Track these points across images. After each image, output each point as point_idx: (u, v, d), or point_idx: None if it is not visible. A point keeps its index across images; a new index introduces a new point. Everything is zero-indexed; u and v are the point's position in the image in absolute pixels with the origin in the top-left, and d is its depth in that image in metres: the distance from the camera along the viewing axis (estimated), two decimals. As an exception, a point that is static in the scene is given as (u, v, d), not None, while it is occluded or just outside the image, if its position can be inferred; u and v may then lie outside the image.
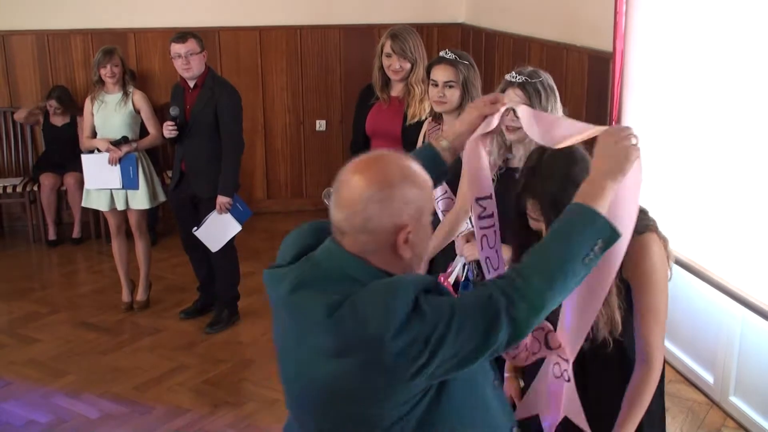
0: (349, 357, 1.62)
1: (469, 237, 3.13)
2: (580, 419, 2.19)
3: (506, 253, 2.85)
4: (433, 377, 1.63)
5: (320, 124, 7.53)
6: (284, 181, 7.63)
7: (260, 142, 7.39)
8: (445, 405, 1.71)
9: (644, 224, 2.24)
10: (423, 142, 3.69)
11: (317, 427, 1.79)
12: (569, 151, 2.14)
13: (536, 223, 2.27)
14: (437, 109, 3.49)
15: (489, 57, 6.75)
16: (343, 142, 7.51)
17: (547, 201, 2.17)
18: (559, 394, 2.21)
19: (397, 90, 4.15)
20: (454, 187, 3.52)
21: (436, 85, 3.43)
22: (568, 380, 2.17)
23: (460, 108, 3.39)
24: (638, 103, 4.49)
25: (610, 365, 2.33)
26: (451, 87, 3.42)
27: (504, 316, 1.61)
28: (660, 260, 2.25)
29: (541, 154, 2.23)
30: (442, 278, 3.18)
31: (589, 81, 5.09)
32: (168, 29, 6.92)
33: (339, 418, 1.72)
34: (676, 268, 4.07)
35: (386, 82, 4.16)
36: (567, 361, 2.15)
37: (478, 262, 3.07)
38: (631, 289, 2.25)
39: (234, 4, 7.12)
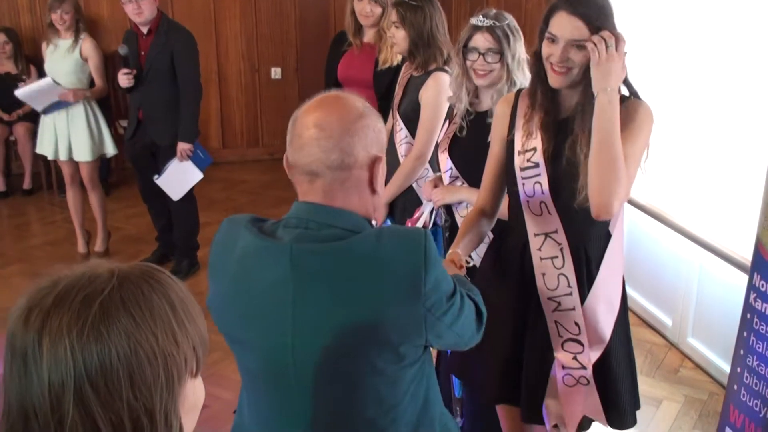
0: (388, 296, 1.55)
1: (437, 182, 3.11)
2: (599, 416, 2.30)
3: (473, 195, 2.86)
4: (436, 337, 1.63)
5: (275, 72, 7.42)
6: (239, 130, 7.53)
7: (214, 90, 7.26)
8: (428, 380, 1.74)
9: (637, 94, 2.26)
10: (398, 86, 3.64)
11: (320, 398, 1.63)
12: None
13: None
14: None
15: (446, 1, 6.66)
16: (299, 90, 7.41)
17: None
18: (572, 401, 2.31)
19: (369, 36, 4.07)
20: (412, 128, 3.51)
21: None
22: (587, 383, 2.24)
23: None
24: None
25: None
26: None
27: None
28: (649, 127, 2.22)
29: None
30: (409, 223, 3.16)
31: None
32: (117, -27, 6.74)
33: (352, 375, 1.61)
34: (635, 211, 4.15)
35: (359, 28, 4.08)
36: (585, 368, 2.27)
37: (447, 207, 3.07)
38: None
39: (185, -53, 6.92)
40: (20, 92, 5.06)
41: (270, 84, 7.43)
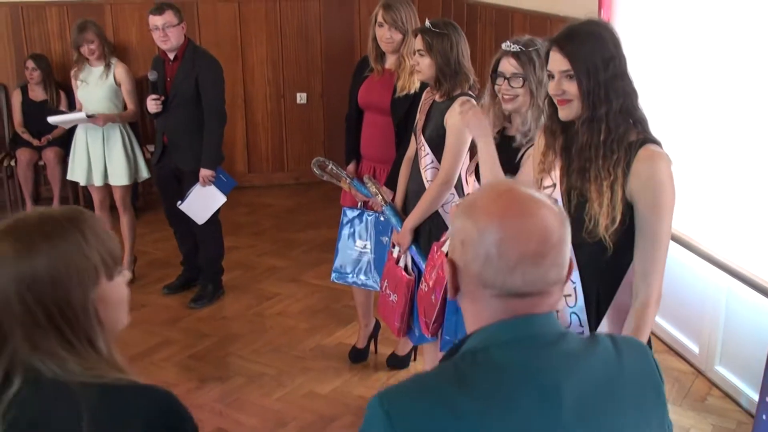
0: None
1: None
2: None
3: None
4: None
5: (301, 97, 7.47)
6: (265, 154, 7.57)
7: (240, 115, 7.32)
8: None
9: (649, 135, 2.24)
10: (419, 112, 3.66)
11: None
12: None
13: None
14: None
15: (471, 28, 6.69)
16: (324, 115, 7.46)
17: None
18: None
19: (390, 62, 4.08)
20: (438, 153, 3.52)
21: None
22: None
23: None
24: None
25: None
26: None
27: None
28: (669, 179, 2.22)
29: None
30: (435, 247, 3.17)
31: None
32: (144, 0, 6.84)
33: None
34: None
35: (381, 54, 4.09)
36: None
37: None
38: (633, 209, 2.22)
39: (212, -26, 7.01)
40: (53, 119, 5.17)
41: (295, 109, 7.48)
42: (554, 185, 2.31)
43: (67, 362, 1.43)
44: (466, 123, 2.87)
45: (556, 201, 2.26)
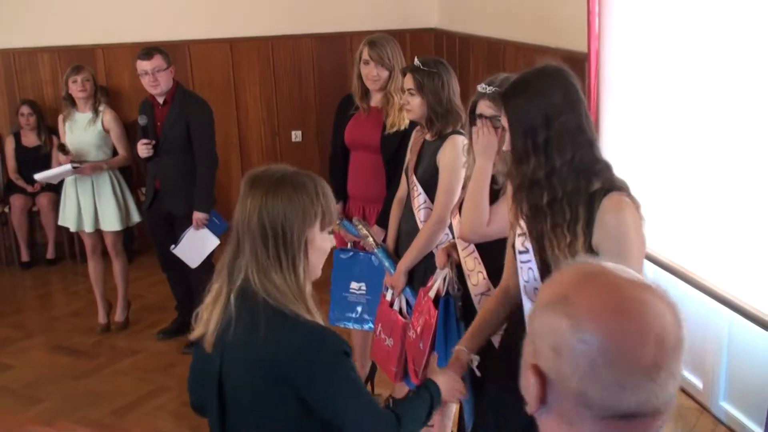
0: None
1: (450, 249, 3.05)
2: None
3: None
4: None
5: (296, 135, 7.43)
6: (261, 193, 7.52)
7: (236, 155, 7.28)
8: None
9: (613, 183, 2.16)
10: (409, 152, 3.61)
11: None
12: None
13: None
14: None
15: (464, 61, 6.68)
16: (320, 153, 7.41)
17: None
18: None
19: (376, 99, 4.05)
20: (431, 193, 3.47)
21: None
22: None
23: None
24: (616, 102, 4.43)
25: None
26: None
27: None
28: (635, 227, 2.13)
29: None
30: (422, 292, 3.10)
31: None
32: (136, 44, 6.79)
33: None
34: (656, 269, 4.04)
35: (366, 92, 4.06)
36: None
37: (459, 276, 3.00)
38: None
39: (203, 16, 6.99)
40: (40, 176, 5.17)
41: (291, 147, 7.44)
42: (525, 234, 2.25)
43: (270, 278, 1.89)
44: (476, 138, 2.80)
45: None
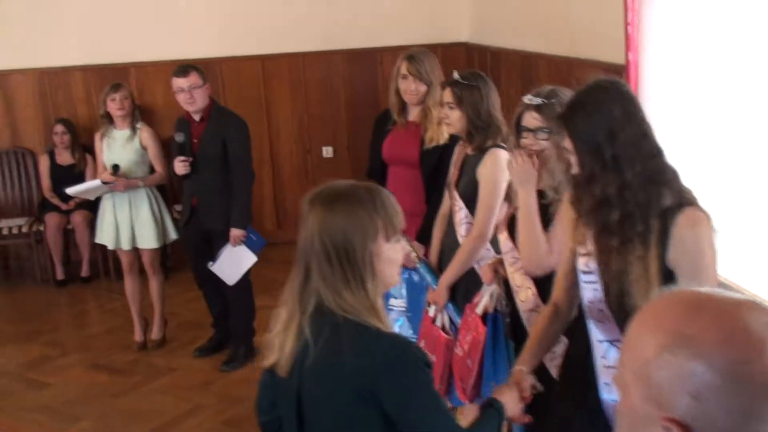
0: None
1: (497, 265, 3.01)
2: None
3: None
4: None
5: (327, 151, 7.43)
6: (293, 210, 7.51)
7: (267, 172, 7.28)
8: None
9: (684, 195, 2.14)
10: (452, 166, 3.58)
11: None
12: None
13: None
14: None
15: (496, 75, 6.63)
16: (351, 168, 7.40)
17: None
18: None
19: (414, 114, 4.03)
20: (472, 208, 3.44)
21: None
22: None
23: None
24: (656, 113, 4.36)
25: None
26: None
27: None
28: (710, 243, 2.11)
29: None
30: (469, 309, 3.06)
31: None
32: (169, 62, 6.85)
33: None
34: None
35: (404, 106, 4.04)
36: None
37: (506, 292, 2.96)
38: (674, 278, 2.09)
39: (235, 33, 7.03)
40: (72, 190, 5.22)
41: (322, 163, 7.44)
42: (590, 254, 2.21)
43: (342, 296, 1.88)
44: (511, 169, 2.79)
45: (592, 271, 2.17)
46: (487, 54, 6.89)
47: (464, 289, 3.47)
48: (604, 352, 2.18)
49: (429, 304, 3.58)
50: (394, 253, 1.96)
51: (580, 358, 2.29)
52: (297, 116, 7.32)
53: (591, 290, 2.20)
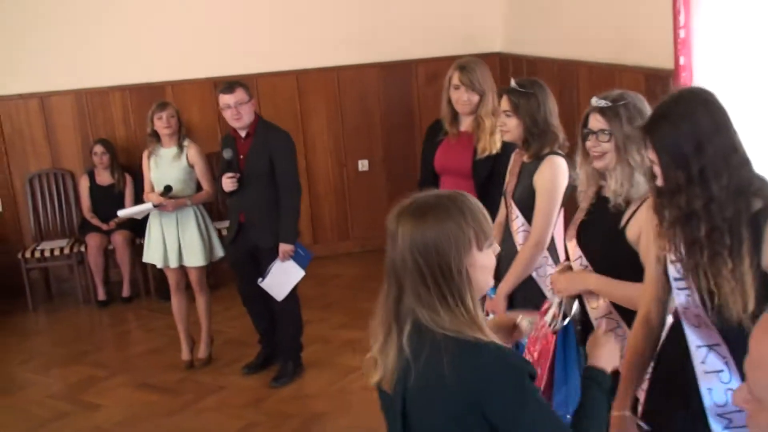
0: None
1: (565, 271, 2.96)
2: None
3: (602, 284, 2.73)
4: None
5: (362, 164, 7.42)
6: (329, 224, 7.51)
7: (303, 186, 7.21)
8: None
9: None
10: (509, 174, 3.55)
11: None
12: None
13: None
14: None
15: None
16: (386, 181, 7.39)
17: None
18: None
19: (466, 124, 4.01)
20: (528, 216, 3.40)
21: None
22: None
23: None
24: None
25: None
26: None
27: None
28: None
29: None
30: (539, 316, 3.01)
31: (649, 101, 4.91)
32: (205, 79, 6.90)
33: None
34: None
35: (455, 116, 4.02)
36: None
37: (578, 298, 2.91)
38: None
39: (269, 49, 7.04)
40: (123, 213, 5.30)
41: (358, 176, 7.43)
42: (680, 260, 2.16)
43: (440, 314, 1.80)
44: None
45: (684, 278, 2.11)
46: (523, 63, 6.86)
47: (522, 298, 3.44)
48: (703, 357, 2.13)
49: (488, 314, 3.54)
50: (488, 260, 1.90)
51: (676, 362, 2.23)
52: (332, 130, 7.31)
53: (684, 296, 2.15)
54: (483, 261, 1.87)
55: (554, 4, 6.31)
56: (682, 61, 4.29)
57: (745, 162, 2.08)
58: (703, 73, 4.27)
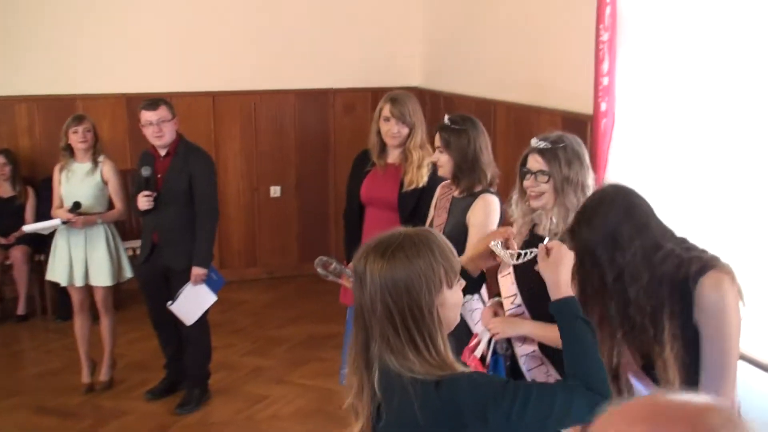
0: None
1: (497, 308, 2.99)
2: None
3: (537, 329, 2.77)
4: None
5: (275, 190, 7.34)
6: (237, 249, 7.38)
7: (214, 209, 7.14)
8: None
9: (710, 260, 2.18)
10: (433, 208, 3.57)
11: None
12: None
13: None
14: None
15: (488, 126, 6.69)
16: (298, 209, 7.34)
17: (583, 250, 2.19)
18: None
19: (393, 156, 4.03)
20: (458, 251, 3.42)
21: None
22: None
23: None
24: (624, 163, 4.45)
25: None
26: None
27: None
28: (735, 302, 2.16)
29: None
30: (467, 351, 3.02)
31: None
32: (117, 95, 6.72)
33: None
34: (746, 367, 3.93)
35: (383, 148, 4.03)
36: None
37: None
38: (699, 336, 2.15)
39: (186, 69, 6.92)
40: (29, 228, 5.14)
41: (269, 202, 7.34)
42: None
43: (408, 358, 1.76)
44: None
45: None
46: (440, 98, 6.96)
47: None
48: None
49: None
50: (457, 297, 1.87)
51: None
52: (246, 154, 7.23)
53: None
54: (453, 299, 1.85)
55: (474, 44, 6.43)
56: (603, 107, 4.43)
57: (669, 254, 2.17)
58: (625, 119, 4.42)
